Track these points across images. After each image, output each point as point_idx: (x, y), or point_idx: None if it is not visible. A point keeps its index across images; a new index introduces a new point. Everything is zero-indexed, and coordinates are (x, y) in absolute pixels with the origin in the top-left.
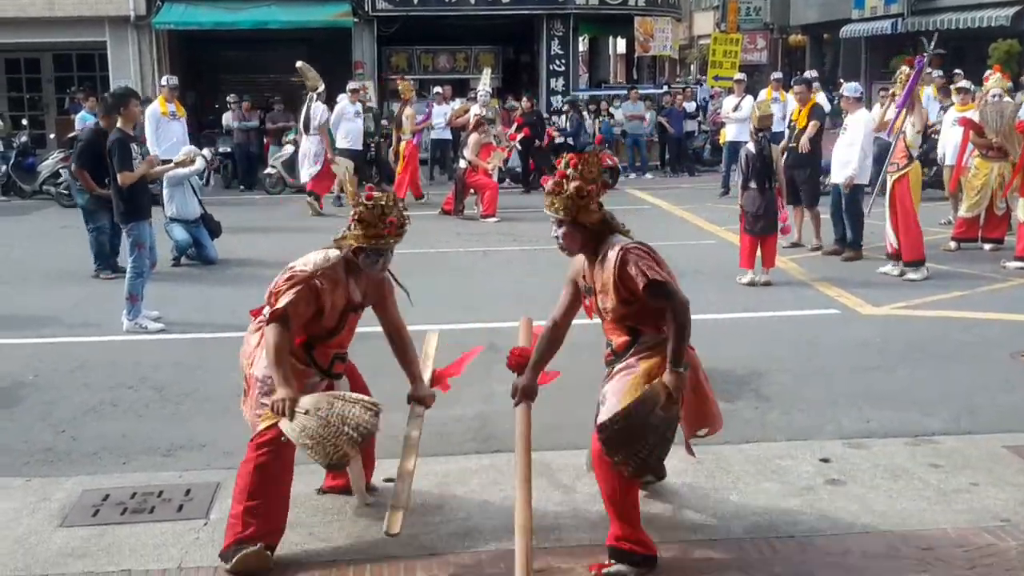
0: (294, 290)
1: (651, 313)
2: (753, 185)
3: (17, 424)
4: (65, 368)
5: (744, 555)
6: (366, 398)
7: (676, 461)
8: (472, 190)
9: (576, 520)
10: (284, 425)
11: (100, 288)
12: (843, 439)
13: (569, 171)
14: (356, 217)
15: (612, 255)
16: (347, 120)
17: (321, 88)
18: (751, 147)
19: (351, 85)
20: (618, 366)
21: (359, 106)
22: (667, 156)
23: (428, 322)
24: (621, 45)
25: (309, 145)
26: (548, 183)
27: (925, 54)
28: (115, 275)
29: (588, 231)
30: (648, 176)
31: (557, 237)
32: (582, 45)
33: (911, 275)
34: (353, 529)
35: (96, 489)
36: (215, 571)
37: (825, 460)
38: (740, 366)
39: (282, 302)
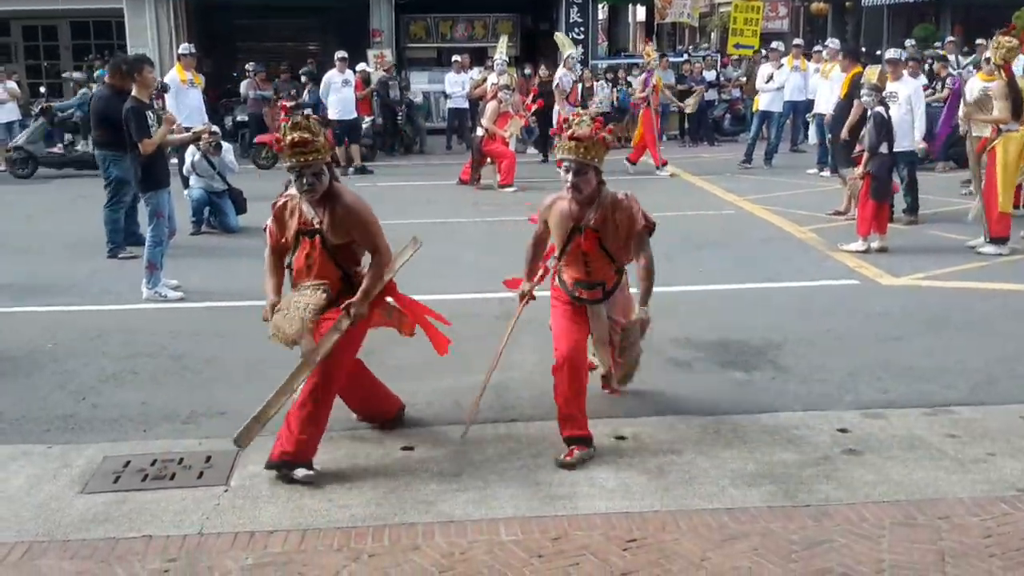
0: (271, 216)
1: (627, 255)
2: (884, 150)
3: (37, 392)
4: (84, 336)
5: (761, 523)
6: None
7: (694, 429)
8: (489, 159)
9: (592, 488)
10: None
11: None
12: (860, 409)
13: (600, 128)
14: (280, 139)
15: (623, 199)
16: (335, 90)
17: (571, 52)
18: (882, 111)
19: (339, 55)
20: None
21: (349, 74)
22: (687, 125)
23: (445, 292)
24: (641, 13)
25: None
26: (576, 131)
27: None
28: (132, 254)
29: (598, 177)
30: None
31: (575, 182)
32: (601, 13)
33: (980, 249)
34: (372, 495)
35: (117, 456)
36: (235, 537)
37: (843, 430)
38: (758, 336)
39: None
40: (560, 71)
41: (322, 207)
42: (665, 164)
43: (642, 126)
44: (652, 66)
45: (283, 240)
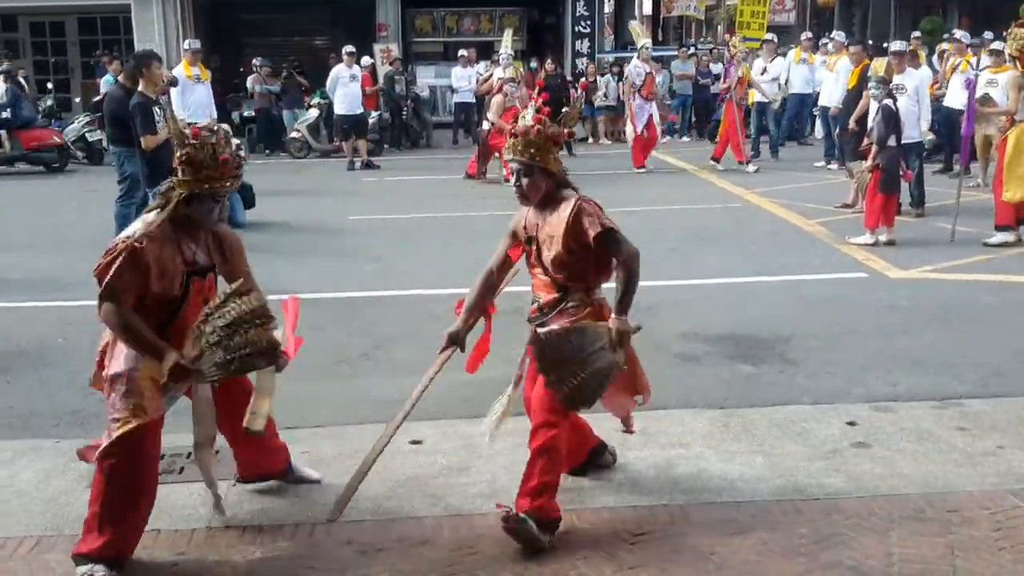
0: (115, 262)
1: (585, 272)
2: (892, 143)
3: (47, 387)
4: (94, 331)
5: (769, 517)
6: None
7: (702, 423)
8: (496, 153)
9: (600, 482)
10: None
11: None
12: (869, 402)
13: (544, 118)
14: (184, 160)
15: (567, 205)
16: (343, 84)
17: (645, 42)
18: (890, 103)
19: (347, 49)
20: (546, 326)
21: (356, 69)
22: (692, 119)
23: (452, 287)
24: (647, 6)
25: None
26: (517, 126)
27: None
28: None
29: (551, 181)
30: (665, 140)
31: (520, 185)
32: (607, 6)
33: (987, 240)
34: (381, 490)
35: None
36: (244, 531)
37: (851, 423)
38: (766, 330)
39: (107, 279)
40: (633, 62)
41: (186, 237)
42: (749, 161)
43: (724, 121)
44: (738, 57)
45: (146, 290)
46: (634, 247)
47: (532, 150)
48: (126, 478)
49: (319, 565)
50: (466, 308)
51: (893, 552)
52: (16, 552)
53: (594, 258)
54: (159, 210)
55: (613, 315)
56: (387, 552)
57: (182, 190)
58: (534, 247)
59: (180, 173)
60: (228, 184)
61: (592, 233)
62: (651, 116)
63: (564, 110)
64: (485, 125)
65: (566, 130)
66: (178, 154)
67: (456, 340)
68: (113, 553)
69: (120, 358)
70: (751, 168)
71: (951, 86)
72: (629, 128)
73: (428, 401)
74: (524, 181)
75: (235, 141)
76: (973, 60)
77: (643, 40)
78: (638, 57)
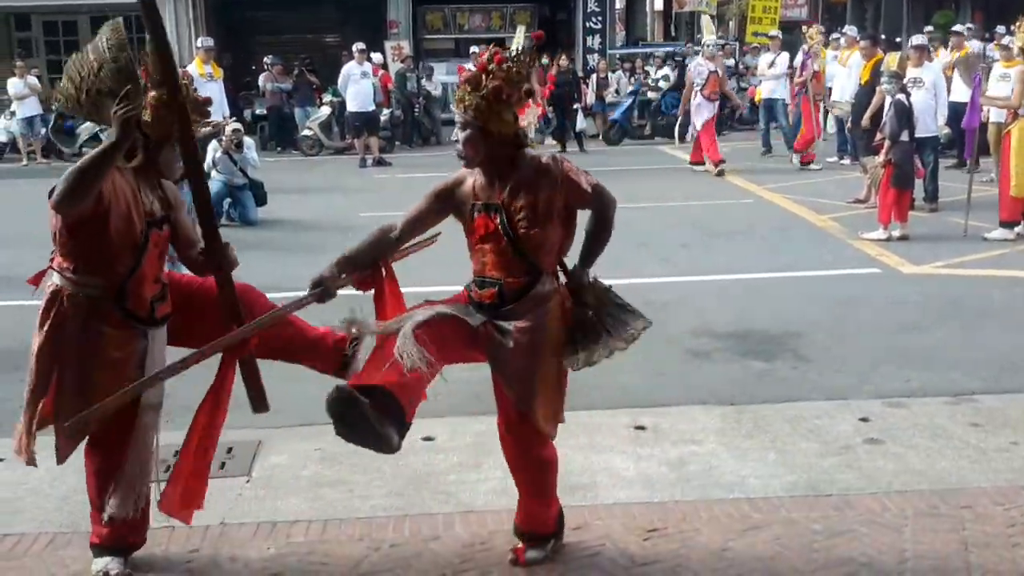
0: None
1: (559, 246)
2: (905, 137)
3: None
4: None
5: (782, 513)
6: None
7: (714, 419)
8: None
9: (612, 479)
10: None
11: None
12: (882, 398)
13: (492, 67)
14: (157, 103)
15: (543, 167)
16: (354, 82)
17: (709, 38)
18: (903, 99)
19: (358, 46)
20: (512, 324)
21: (367, 66)
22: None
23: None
24: (658, 1)
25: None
26: (463, 75)
27: None
28: None
29: (495, 142)
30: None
31: (458, 141)
32: (619, 2)
33: (987, 235)
34: (393, 485)
35: None
36: (257, 527)
37: (864, 419)
38: (778, 326)
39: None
40: (696, 60)
41: (144, 186)
42: (813, 159)
43: (802, 118)
44: (815, 49)
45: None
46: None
47: (474, 105)
48: (100, 470)
49: (332, 561)
50: (344, 259)
51: (906, 548)
52: (31, 549)
53: (565, 228)
54: (125, 156)
55: (579, 267)
56: (399, 548)
57: (151, 134)
58: (496, 218)
59: (150, 117)
60: (199, 126)
61: (589, 188)
62: (712, 118)
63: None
64: None
65: (524, 86)
66: (149, 97)
67: (320, 285)
68: (117, 541)
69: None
70: (816, 167)
71: (954, 80)
72: (696, 113)
73: (439, 398)
74: (462, 136)
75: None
76: (973, 48)
77: (709, 36)
78: (702, 55)
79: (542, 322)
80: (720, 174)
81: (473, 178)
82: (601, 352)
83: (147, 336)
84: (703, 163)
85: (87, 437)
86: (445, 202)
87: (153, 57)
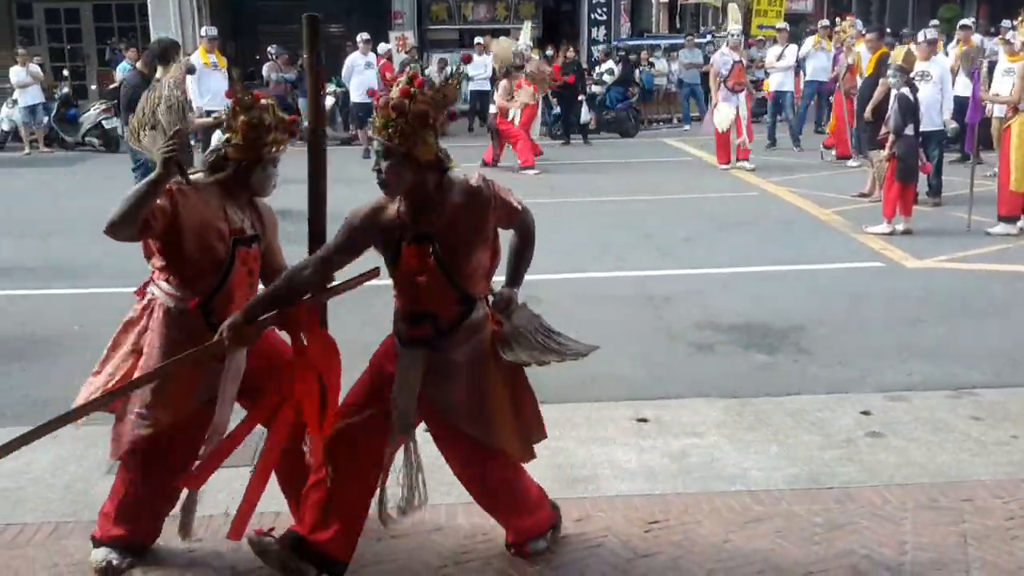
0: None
1: (486, 270)
2: (909, 132)
3: (64, 373)
4: (111, 319)
5: (783, 506)
6: None
7: (716, 412)
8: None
9: (614, 471)
10: None
11: None
12: (884, 392)
13: (415, 90)
14: (249, 125)
15: (473, 189)
16: (358, 73)
17: (732, 29)
18: (907, 92)
19: (362, 36)
20: (452, 355)
21: (371, 57)
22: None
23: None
24: None
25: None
26: (380, 100)
27: None
28: None
29: (420, 168)
30: (687, 127)
31: (379, 170)
32: None
33: (990, 229)
34: (396, 476)
35: None
36: (261, 517)
37: (866, 413)
38: (781, 318)
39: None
40: (720, 50)
41: (231, 204)
42: (849, 156)
43: (834, 114)
44: (848, 43)
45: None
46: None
47: (399, 131)
48: (141, 485)
49: None
50: (255, 302)
51: (906, 541)
52: (34, 538)
53: (492, 249)
54: (208, 173)
55: (506, 287)
56: (401, 539)
57: (242, 157)
58: (428, 248)
59: (242, 140)
60: (284, 147)
61: (520, 208)
62: (738, 110)
63: (444, 78)
64: (492, 109)
65: (447, 109)
66: (241, 119)
67: (232, 330)
68: (129, 543)
69: (152, 354)
70: (853, 163)
71: (958, 75)
72: (719, 114)
73: None
74: (383, 165)
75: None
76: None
77: (734, 25)
78: (727, 44)
79: (480, 350)
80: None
81: (396, 206)
82: (534, 356)
83: (225, 357)
84: (735, 161)
85: (142, 450)
86: (366, 234)
87: (308, 71)
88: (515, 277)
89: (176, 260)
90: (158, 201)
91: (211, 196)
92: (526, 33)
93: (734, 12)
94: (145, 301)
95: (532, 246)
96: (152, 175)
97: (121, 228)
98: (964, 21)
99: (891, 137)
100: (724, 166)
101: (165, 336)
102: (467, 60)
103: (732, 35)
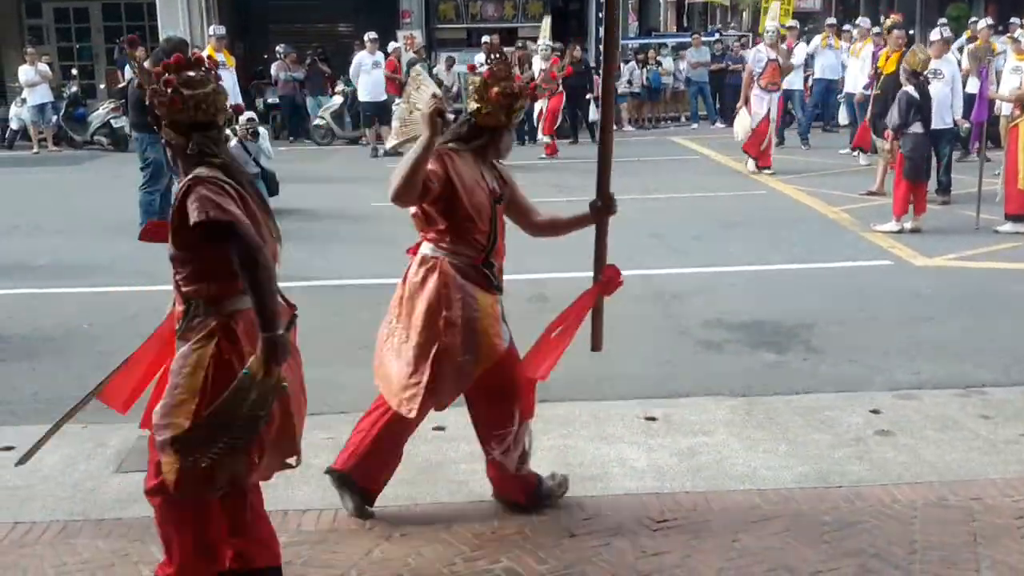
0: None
1: (204, 273)
2: (918, 130)
3: (73, 372)
4: (119, 317)
5: (792, 504)
6: None
7: (725, 410)
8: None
9: (623, 469)
10: None
11: None
12: (893, 390)
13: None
14: (501, 95)
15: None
16: (365, 72)
17: (770, 26)
18: (912, 91)
19: (369, 35)
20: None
21: (379, 56)
22: (718, 105)
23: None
24: None
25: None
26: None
27: None
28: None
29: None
30: (695, 126)
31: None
32: None
33: (998, 228)
34: (404, 475)
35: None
36: (268, 516)
37: (875, 411)
38: (790, 317)
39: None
40: (756, 47)
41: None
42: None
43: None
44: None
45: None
46: (255, 243)
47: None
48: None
49: (342, 550)
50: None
51: (916, 539)
52: (42, 537)
53: (213, 256)
54: (464, 142)
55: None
56: (411, 537)
57: (496, 124)
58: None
59: (498, 107)
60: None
61: (192, 220)
62: (769, 111)
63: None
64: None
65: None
66: (494, 90)
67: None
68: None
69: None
70: (864, 160)
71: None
72: (740, 122)
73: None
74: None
75: None
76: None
77: (771, 22)
78: (764, 42)
79: None
80: (757, 172)
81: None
82: None
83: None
84: (768, 166)
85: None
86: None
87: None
88: (259, 320)
89: (455, 220)
90: (430, 166)
91: (468, 160)
92: (546, 31)
93: (772, 8)
94: (427, 266)
95: (254, 286)
96: (421, 139)
97: (404, 194)
98: (982, 21)
99: (890, 133)
100: (767, 170)
101: (459, 289)
102: (472, 70)
103: (769, 32)
